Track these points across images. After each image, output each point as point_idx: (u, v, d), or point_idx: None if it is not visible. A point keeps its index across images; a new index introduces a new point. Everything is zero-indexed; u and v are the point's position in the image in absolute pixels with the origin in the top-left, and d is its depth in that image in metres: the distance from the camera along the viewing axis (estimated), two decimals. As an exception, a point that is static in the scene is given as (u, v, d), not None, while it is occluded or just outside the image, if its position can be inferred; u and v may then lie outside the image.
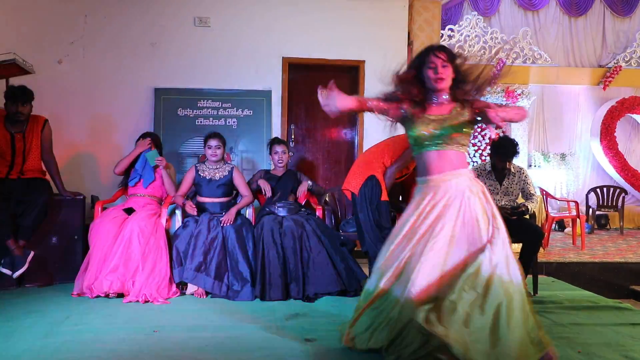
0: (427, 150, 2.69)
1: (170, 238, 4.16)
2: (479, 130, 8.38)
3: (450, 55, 2.68)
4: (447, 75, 2.66)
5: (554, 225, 7.70)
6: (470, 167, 4.45)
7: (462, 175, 2.65)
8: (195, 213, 4.15)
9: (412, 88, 2.71)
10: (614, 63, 8.75)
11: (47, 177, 4.34)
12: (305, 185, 4.54)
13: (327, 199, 4.78)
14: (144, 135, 4.54)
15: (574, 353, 2.81)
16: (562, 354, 2.73)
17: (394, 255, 2.62)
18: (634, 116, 8.74)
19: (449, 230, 2.51)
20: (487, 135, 8.34)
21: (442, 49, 2.73)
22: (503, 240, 2.51)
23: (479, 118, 2.66)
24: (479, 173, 4.25)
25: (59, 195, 4.37)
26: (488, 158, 4.39)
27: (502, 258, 2.45)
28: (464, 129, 2.67)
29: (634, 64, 8.79)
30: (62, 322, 3.26)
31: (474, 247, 2.50)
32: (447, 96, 2.71)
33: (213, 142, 4.31)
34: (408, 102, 2.71)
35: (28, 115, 4.20)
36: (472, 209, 2.55)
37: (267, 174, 4.57)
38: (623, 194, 8.24)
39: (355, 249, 4.41)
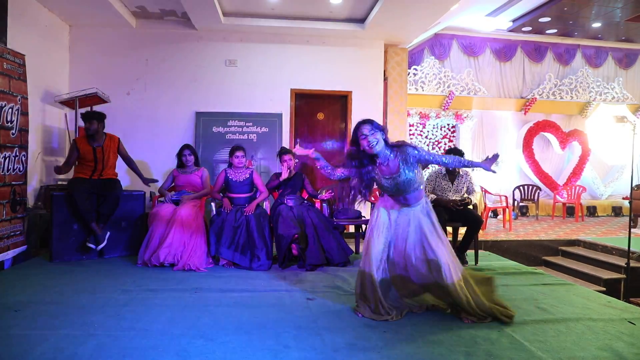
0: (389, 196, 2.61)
1: (207, 223, 4.17)
2: (435, 142, 8.43)
3: (374, 125, 2.52)
4: (376, 140, 2.48)
5: (490, 213, 7.74)
6: (430, 171, 4.47)
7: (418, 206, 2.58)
8: (230, 208, 4.10)
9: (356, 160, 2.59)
10: (531, 95, 8.79)
11: (119, 177, 4.35)
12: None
13: (324, 193, 4.75)
14: (182, 147, 4.40)
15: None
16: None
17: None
18: (546, 134, 8.79)
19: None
20: (442, 148, 8.38)
21: (364, 122, 2.52)
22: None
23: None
24: (436, 176, 4.22)
25: (127, 191, 4.38)
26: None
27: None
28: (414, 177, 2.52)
29: (545, 96, 8.85)
30: (130, 284, 3.29)
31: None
32: (389, 154, 2.53)
33: (239, 153, 4.24)
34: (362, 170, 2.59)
35: (101, 130, 4.14)
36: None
37: (279, 176, 4.35)
38: (538, 191, 8.32)
39: (345, 231, 4.42)
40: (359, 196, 2.59)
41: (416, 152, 2.53)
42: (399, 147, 2.55)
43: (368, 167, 2.57)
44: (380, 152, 2.53)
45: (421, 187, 2.61)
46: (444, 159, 2.60)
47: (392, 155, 2.54)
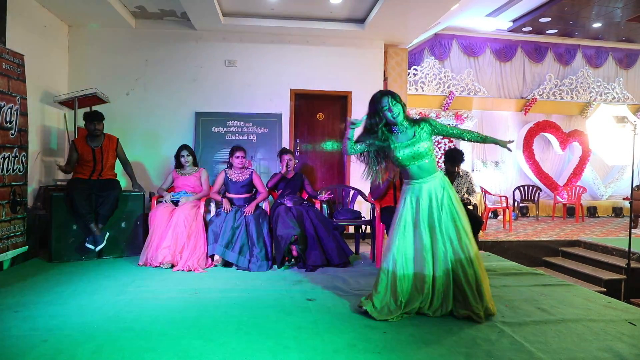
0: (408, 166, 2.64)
1: (207, 223, 4.16)
2: (435, 143, 8.42)
3: (395, 96, 2.61)
4: (398, 110, 2.59)
5: (490, 213, 7.74)
6: None
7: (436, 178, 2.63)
8: (230, 209, 4.10)
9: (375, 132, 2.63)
10: (532, 96, 8.79)
11: (118, 178, 4.36)
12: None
13: (324, 194, 4.75)
14: (180, 148, 4.40)
15: (502, 306, 2.84)
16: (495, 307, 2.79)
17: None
18: (546, 134, 8.80)
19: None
20: (442, 148, 8.39)
21: (384, 94, 2.60)
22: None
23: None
24: None
25: (127, 192, 4.38)
26: (443, 165, 4.40)
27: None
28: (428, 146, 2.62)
29: (545, 96, 8.86)
30: (129, 284, 3.29)
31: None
32: (406, 124, 2.63)
33: (239, 154, 4.24)
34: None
35: (102, 131, 4.20)
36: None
37: (281, 176, 4.38)
38: (539, 191, 8.32)
39: (344, 232, 4.41)
40: (380, 166, 2.66)
41: (433, 122, 2.65)
42: (416, 119, 2.66)
43: (385, 137, 2.63)
44: (400, 122, 2.61)
45: (434, 158, 2.68)
46: (462, 133, 2.74)
47: (409, 125, 2.63)
